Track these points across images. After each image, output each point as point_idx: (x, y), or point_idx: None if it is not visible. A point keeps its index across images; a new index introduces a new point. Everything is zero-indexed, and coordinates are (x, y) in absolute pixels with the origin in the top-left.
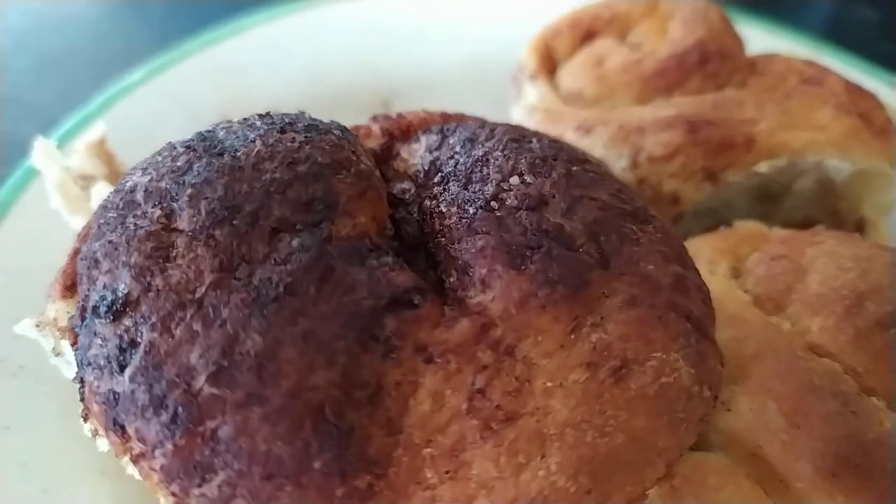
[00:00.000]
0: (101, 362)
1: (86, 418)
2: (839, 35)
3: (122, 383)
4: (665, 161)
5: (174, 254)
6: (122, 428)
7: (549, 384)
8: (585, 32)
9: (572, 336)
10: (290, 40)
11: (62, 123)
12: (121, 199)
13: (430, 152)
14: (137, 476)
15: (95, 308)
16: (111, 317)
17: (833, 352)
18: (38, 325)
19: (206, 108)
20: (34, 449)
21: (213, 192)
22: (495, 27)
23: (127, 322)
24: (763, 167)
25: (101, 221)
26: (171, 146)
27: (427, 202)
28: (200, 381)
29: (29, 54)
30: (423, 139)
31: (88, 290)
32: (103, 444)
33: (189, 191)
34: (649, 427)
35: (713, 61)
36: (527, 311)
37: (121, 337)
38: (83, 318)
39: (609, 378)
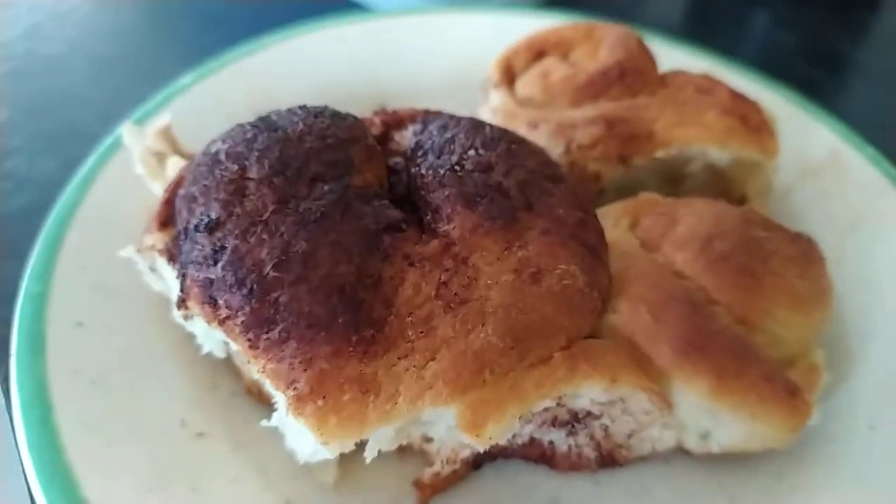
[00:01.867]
0: (201, 260)
1: (180, 306)
2: (768, 58)
3: (216, 272)
4: (590, 149)
5: (248, 192)
6: (215, 301)
7: (489, 282)
8: (537, 52)
9: (505, 252)
10: (306, 55)
11: (126, 116)
12: (209, 159)
13: (416, 136)
14: (211, 345)
15: (196, 226)
16: (207, 231)
17: (690, 276)
18: (138, 250)
19: (240, 108)
20: (128, 346)
21: (273, 155)
22: (468, 49)
23: (218, 234)
24: (660, 154)
25: (196, 173)
26: (242, 126)
27: (412, 169)
28: (267, 268)
29: (84, 59)
30: (411, 127)
31: (188, 217)
32: (192, 324)
33: (256, 153)
34: (555, 311)
35: (629, 76)
36: (476, 236)
37: (214, 244)
38: (186, 235)
39: (528, 279)
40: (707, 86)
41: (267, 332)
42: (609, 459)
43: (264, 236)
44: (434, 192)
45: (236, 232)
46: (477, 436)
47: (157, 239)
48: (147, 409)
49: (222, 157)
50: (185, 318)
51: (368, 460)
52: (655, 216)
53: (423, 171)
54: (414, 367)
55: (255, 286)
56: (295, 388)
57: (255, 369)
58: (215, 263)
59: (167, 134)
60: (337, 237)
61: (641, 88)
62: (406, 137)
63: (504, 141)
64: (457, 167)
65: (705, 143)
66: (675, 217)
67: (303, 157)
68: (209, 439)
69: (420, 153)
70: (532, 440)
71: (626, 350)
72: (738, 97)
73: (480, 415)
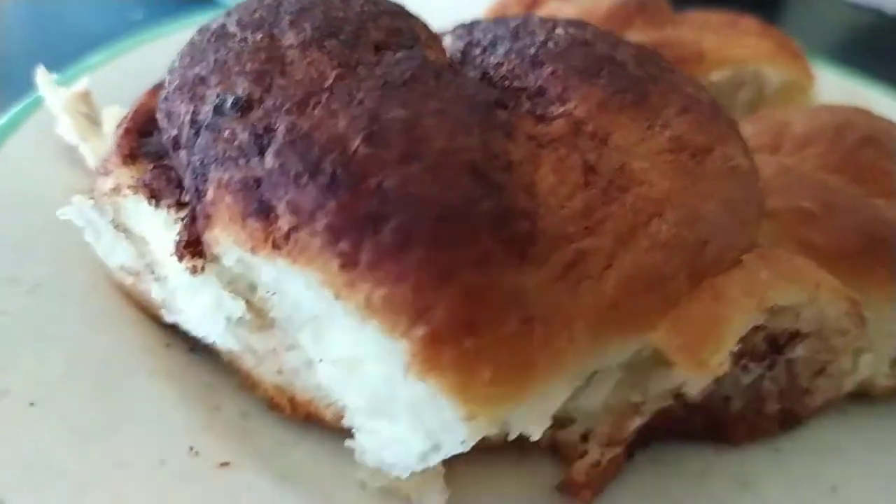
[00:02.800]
0: (234, 153)
1: (186, 251)
2: None
3: (264, 164)
4: None
5: (288, 61)
6: (268, 207)
7: (644, 165)
8: (532, 1)
9: (649, 132)
10: None
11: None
12: (211, 34)
13: (460, 39)
14: (219, 328)
15: (218, 108)
16: (238, 113)
17: (828, 172)
18: (93, 199)
19: None
20: (76, 356)
21: (313, 18)
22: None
23: (257, 114)
24: (715, 76)
25: (193, 54)
26: None
27: (471, 72)
28: (355, 144)
29: None
30: (448, 36)
31: (194, 108)
32: (195, 289)
33: (287, 17)
34: (733, 198)
35: (650, 7)
36: (608, 112)
37: (253, 126)
38: (196, 129)
39: (690, 160)
40: (728, 19)
41: (374, 234)
42: (791, 416)
43: (334, 106)
44: (527, 76)
45: (287, 106)
46: (699, 365)
47: (124, 176)
48: (129, 434)
49: (232, 28)
50: (195, 270)
51: (536, 437)
52: (756, 122)
53: (500, 60)
54: (588, 277)
55: (339, 170)
56: (428, 322)
57: (348, 311)
58: (261, 153)
59: (87, 100)
60: (441, 105)
61: (664, 21)
62: (445, 48)
63: (587, 25)
64: (549, 43)
65: (760, 63)
66: (781, 120)
67: (356, 20)
68: (241, 471)
69: (478, 51)
70: (703, 404)
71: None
72: (765, 25)
73: (695, 336)
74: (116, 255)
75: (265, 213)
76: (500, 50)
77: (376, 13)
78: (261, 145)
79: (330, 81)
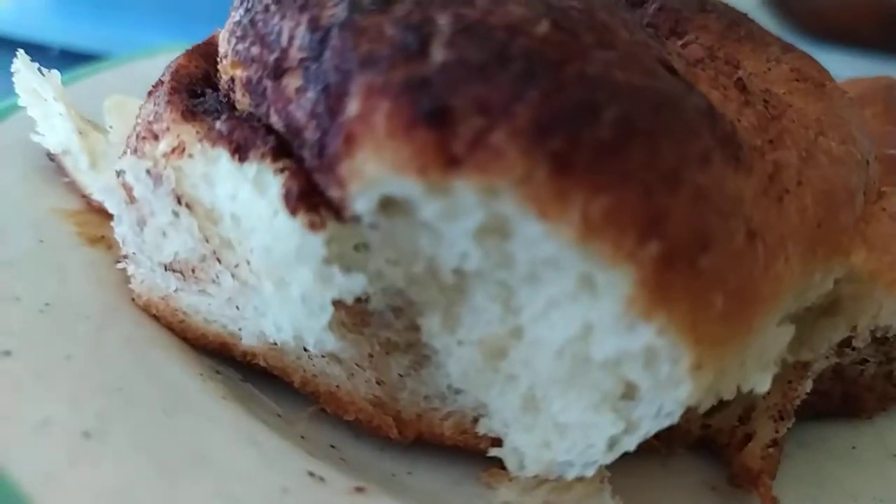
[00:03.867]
0: (386, 52)
1: (301, 203)
2: None
3: (431, 60)
4: None
5: None
6: (443, 110)
7: (783, 91)
8: None
9: (768, 63)
10: None
11: None
12: None
13: None
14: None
15: (355, 3)
16: (379, 5)
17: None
18: (145, 162)
19: None
20: (121, 380)
21: None
22: None
23: (403, 7)
24: None
25: None
26: None
27: None
28: (542, 29)
29: None
30: None
31: (310, 15)
32: (303, 252)
33: None
34: (863, 126)
35: None
36: (728, 44)
37: (406, 18)
38: (320, 38)
39: (816, 90)
40: None
41: (592, 124)
42: None
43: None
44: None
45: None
46: None
47: (187, 132)
48: (224, 463)
49: None
50: (313, 226)
51: (764, 387)
52: None
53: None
54: (787, 192)
55: (531, 57)
56: (662, 235)
57: (562, 235)
58: (423, 46)
59: (62, 94)
60: (605, 1)
61: None
62: None
63: None
64: None
65: None
66: None
67: None
68: (379, 497)
69: None
70: (842, 372)
71: None
72: None
73: None
74: (168, 243)
75: (440, 117)
76: None
77: None
78: (423, 38)
79: None
